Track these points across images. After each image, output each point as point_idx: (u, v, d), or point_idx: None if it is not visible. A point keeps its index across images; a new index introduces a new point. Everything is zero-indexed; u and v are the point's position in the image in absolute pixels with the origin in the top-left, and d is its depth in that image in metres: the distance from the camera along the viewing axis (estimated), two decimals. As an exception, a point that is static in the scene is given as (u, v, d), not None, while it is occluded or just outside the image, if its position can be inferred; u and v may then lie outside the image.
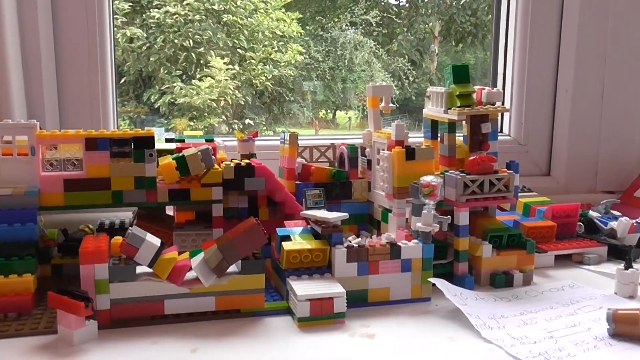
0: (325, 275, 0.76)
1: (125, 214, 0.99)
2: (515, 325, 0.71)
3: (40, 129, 0.78)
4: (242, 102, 3.04)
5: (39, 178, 0.77)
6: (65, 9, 1.05)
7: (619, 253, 0.97)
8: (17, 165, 0.76)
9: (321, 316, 0.71)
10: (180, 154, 0.81)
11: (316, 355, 0.65)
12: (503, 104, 1.27)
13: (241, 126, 3.06)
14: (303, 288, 0.72)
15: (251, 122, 3.11)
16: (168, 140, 0.92)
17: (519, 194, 1.06)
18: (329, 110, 3.72)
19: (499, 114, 1.08)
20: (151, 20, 2.89)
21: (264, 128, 3.19)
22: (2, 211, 0.74)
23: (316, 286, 0.73)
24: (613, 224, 1.00)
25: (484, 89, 0.93)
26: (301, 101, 3.39)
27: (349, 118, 3.79)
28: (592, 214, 1.04)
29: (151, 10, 2.91)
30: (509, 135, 1.33)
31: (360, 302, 0.77)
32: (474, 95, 0.92)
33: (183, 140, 0.93)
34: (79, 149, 0.79)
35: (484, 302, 0.77)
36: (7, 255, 0.72)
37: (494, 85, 1.36)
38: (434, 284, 0.78)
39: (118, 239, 0.72)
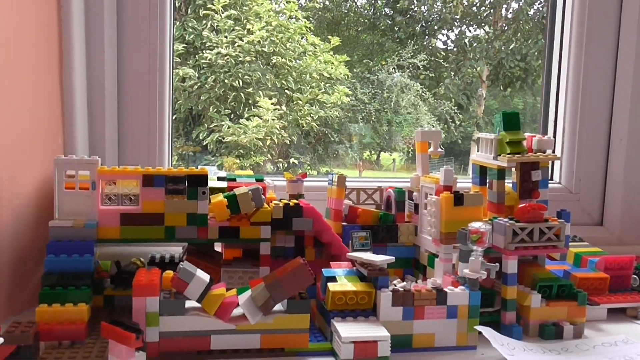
0: (370, 318, 0.76)
1: (175, 249, 1.01)
2: (566, 380, 0.69)
3: (101, 165, 0.82)
4: (288, 142, 3.09)
5: (97, 211, 0.80)
6: (129, 54, 1.10)
7: (677, 309, 0.93)
8: (78, 199, 0.80)
9: (365, 359, 0.71)
10: (232, 193, 0.83)
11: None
12: (554, 151, 1.26)
13: (286, 165, 3.10)
14: (347, 330, 0.72)
15: (296, 161, 3.15)
16: (220, 179, 0.95)
17: (570, 244, 1.03)
18: (373, 152, 3.74)
19: (550, 162, 1.07)
20: (203, 61, 3.00)
21: (309, 168, 3.22)
22: (62, 242, 0.77)
23: (361, 329, 0.73)
24: (670, 278, 0.97)
25: (535, 136, 0.92)
26: (347, 142, 3.42)
27: (393, 160, 3.79)
28: (648, 267, 1.01)
29: (204, 51, 3.02)
30: (559, 183, 1.31)
31: (405, 347, 0.76)
32: (524, 143, 0.92)
33: (234, 179, 0.95)
34: (136, 185, 0.82)
35: (532, 353, 0.75)
36: (64, 284, 0.75)
37: (545, 131, 1.34)
38: (480, 332, 0.77)
39: (169, 273, 0.74)
